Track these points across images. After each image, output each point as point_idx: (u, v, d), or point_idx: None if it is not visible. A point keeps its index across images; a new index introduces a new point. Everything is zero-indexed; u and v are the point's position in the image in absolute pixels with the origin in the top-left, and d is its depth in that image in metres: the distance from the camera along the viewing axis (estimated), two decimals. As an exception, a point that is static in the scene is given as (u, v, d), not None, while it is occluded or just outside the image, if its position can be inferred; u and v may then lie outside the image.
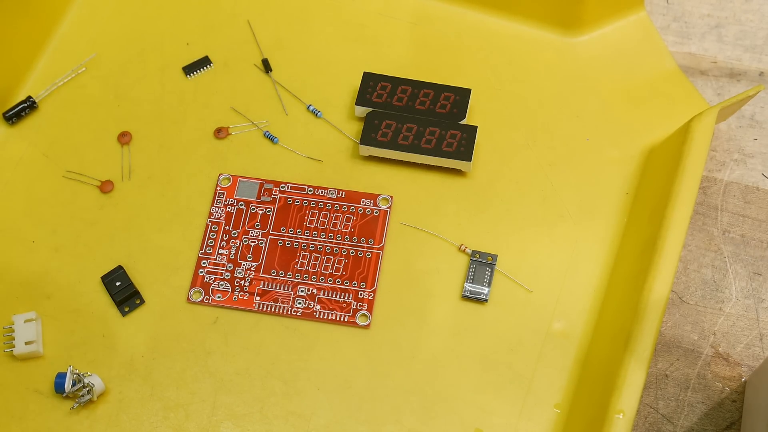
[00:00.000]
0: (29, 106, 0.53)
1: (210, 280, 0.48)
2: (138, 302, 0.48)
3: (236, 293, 0.48)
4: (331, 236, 0.49)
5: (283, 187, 0.51)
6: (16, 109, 0.53)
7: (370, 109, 0.52)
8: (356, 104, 0.52)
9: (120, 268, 0.49)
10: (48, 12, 0.56)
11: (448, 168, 0.51)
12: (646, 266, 0.45)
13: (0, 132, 0.53)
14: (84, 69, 0.55)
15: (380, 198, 0.50)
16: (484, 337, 0.47)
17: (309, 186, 0.50)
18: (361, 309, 0.47)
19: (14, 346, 0.47)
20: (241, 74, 0.55)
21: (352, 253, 0.49)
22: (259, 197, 0.50)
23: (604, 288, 0.48)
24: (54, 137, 0.53)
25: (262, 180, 0.51)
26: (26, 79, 0.55)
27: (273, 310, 0.47)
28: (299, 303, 0.48)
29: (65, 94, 0.54)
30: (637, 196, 0.50)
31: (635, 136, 0.52)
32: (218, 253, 0.49)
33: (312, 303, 0.48)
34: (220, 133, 0.53)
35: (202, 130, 0.53)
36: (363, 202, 0.50)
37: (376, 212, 0.50)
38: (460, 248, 0.49)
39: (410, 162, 0.51)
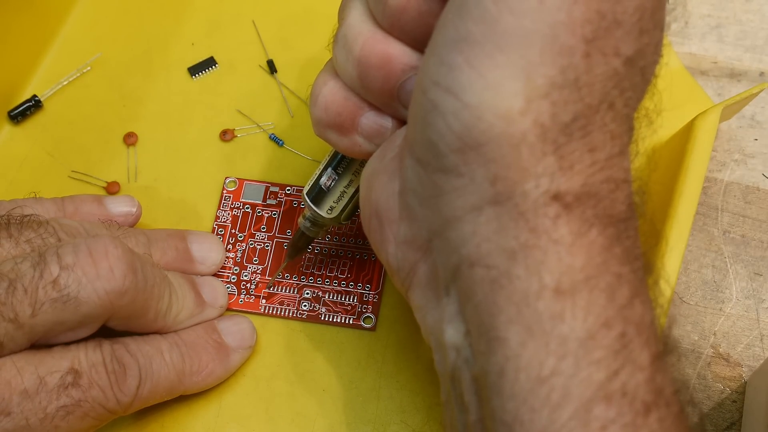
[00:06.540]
0: (34, 105, 0.53)
1: (216, 282, 0.49)
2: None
3: (242, 296, 0.48)
4: (336, 238, 0.49)
5: (288, 189, 0.51)
6: (21, 108, 0.53)
7: (374, 111, 0.52)
8: (361, 106, 0.52)
9: (127, 270, 0.49)
10: (53, 11, 0.56)
11: (452, 169, 0.51)
12: (650, 266, 0.45)
13: (5, 131, 0.53)
14: (89, 68, 0.55)
15: (385, 200, 0.50)
16: (487, 337, 0.47)
17: (314, 188, 0.51)
18: (366, 311, 0.48)
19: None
20: (246, 75, 0.55)
21: (357, 255, 0.49)
22: (264, 200, 0.50)
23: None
24: (59, 137, 0.53)
25: (267, 183, 0.51)
26: (31, 78, 0.55)
27: (279, 312, 0.48)
28: (304, 306, 0.48)
29: (70, 94, 0.54)
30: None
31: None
32: (224, 256, 0.49)
33: (317, 306, 0.48)
34: (226, 135, 0.53)
35: (207, 132, 0.53)
36: (368, 204, 0.50)
37: (380, 214, 0.50)
38: (463, 250, 0.49)
39: (414, 164, 0.51)
